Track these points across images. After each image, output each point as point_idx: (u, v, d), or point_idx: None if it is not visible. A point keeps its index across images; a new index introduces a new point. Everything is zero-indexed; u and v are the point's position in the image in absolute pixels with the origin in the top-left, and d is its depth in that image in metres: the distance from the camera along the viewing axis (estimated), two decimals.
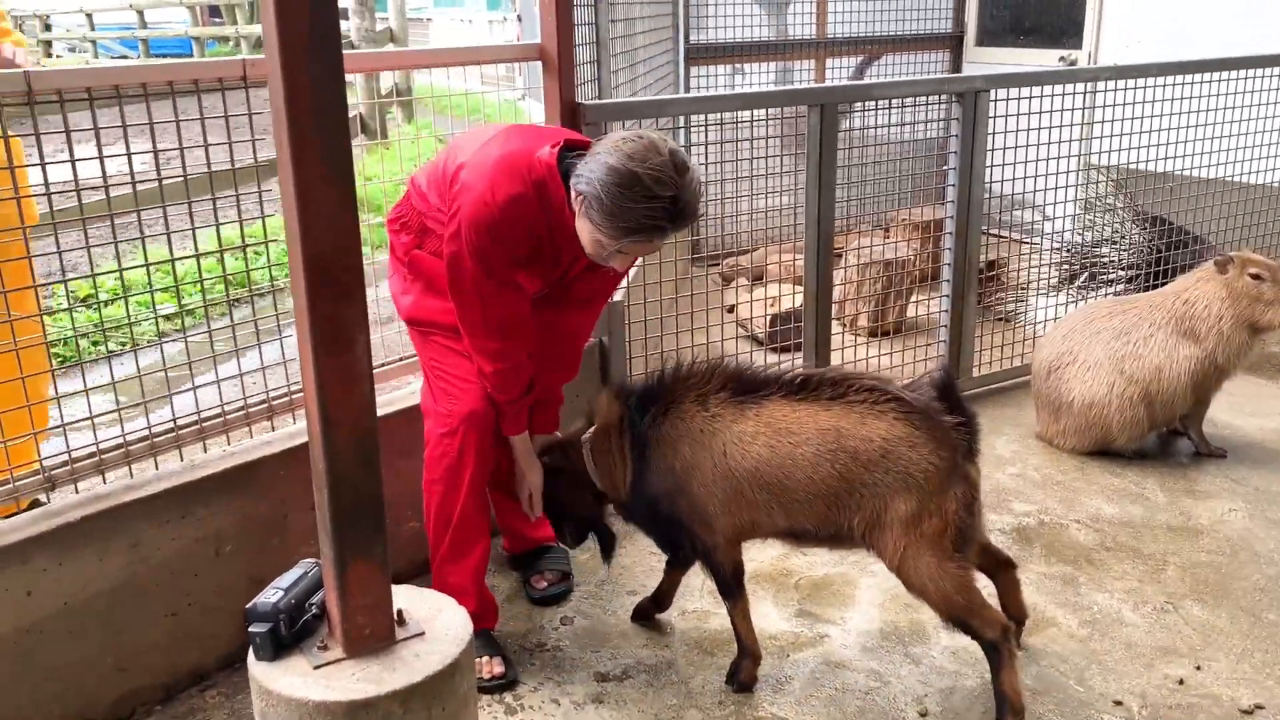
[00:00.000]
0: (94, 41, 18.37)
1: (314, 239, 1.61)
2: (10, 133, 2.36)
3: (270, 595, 1.81)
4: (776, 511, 2.35)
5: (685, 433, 2.38)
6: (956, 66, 6.72)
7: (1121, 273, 4.80)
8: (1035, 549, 3.12)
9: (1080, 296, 4.82)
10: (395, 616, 1.85)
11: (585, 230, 2.25)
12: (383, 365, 3.08)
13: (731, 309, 4.89)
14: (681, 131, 5.06)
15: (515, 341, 2.44)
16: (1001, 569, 2.56)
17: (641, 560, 3.10)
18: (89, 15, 18.21)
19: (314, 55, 1.56)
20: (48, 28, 19.01)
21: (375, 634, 1.80)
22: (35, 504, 2.42)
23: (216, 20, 19.97)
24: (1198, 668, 2.57)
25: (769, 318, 4.61)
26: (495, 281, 2.33)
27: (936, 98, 4.06)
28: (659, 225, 2.15)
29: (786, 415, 2.32)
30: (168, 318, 3.99)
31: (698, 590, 2.94)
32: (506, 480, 2.77)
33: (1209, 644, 2.67)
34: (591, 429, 2.56)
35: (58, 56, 18.92)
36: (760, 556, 3.07)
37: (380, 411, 2.87)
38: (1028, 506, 3.37)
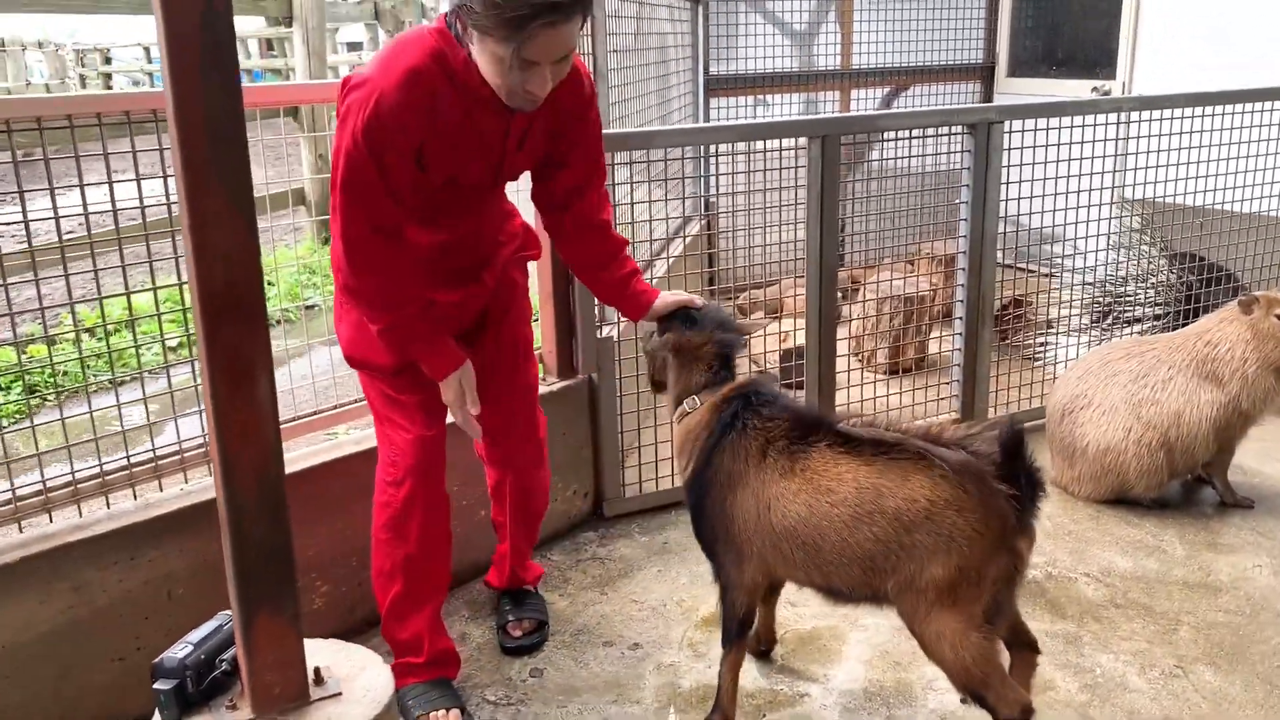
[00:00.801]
0: (151, 75, 18.81)
1: (211, 268, 1.52)
2: None
3: (179, 650, 1.72)
4: (812, 570, 2.21)
5: (739, 476, 2.26)
6: (988, 97, 6.57)
7: (1149, 310, 4.59)
8: (1039, 604, 2.95)
9: (1108, 335, 4.62)
10: (311, 674, 1.74)
11: (484, 59, 1.98)
12: (355, 402, 3.00)
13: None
14: (702, 162, 4.98)
15: (395, 281, 2.16)
16: (1023, 650, 2.37)
17: (622, 609, 2.98)
18: (146, 49, 18.66)
19: (208, 80, 1.48)
20: (108, 60, 19.51)
21: (285, 693, 1.70)
22: None
23: (271, 54, 20.39)
24: None
25: (780, 352, 4.47)
26: (379, 219, 2.07)
27: (960, 128, 3.91)
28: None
29: (828, 470, 2.17)
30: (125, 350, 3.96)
31: (676, 643, 2.80)
32: (509, 499, 2.73)
33: (1220, 713, 2.47)
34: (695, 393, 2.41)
35: (120, 90, 19.40)
36: None
37: (348, 450, 2.79)
38: (1035, 557, 3.18)
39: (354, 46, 20.52)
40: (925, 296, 4.78)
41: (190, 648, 1.72)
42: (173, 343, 3.90)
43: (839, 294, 3.77)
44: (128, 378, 3.56)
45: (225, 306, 1.53)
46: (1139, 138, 4.12)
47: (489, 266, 2.44)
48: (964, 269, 3.90)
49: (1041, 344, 4.75)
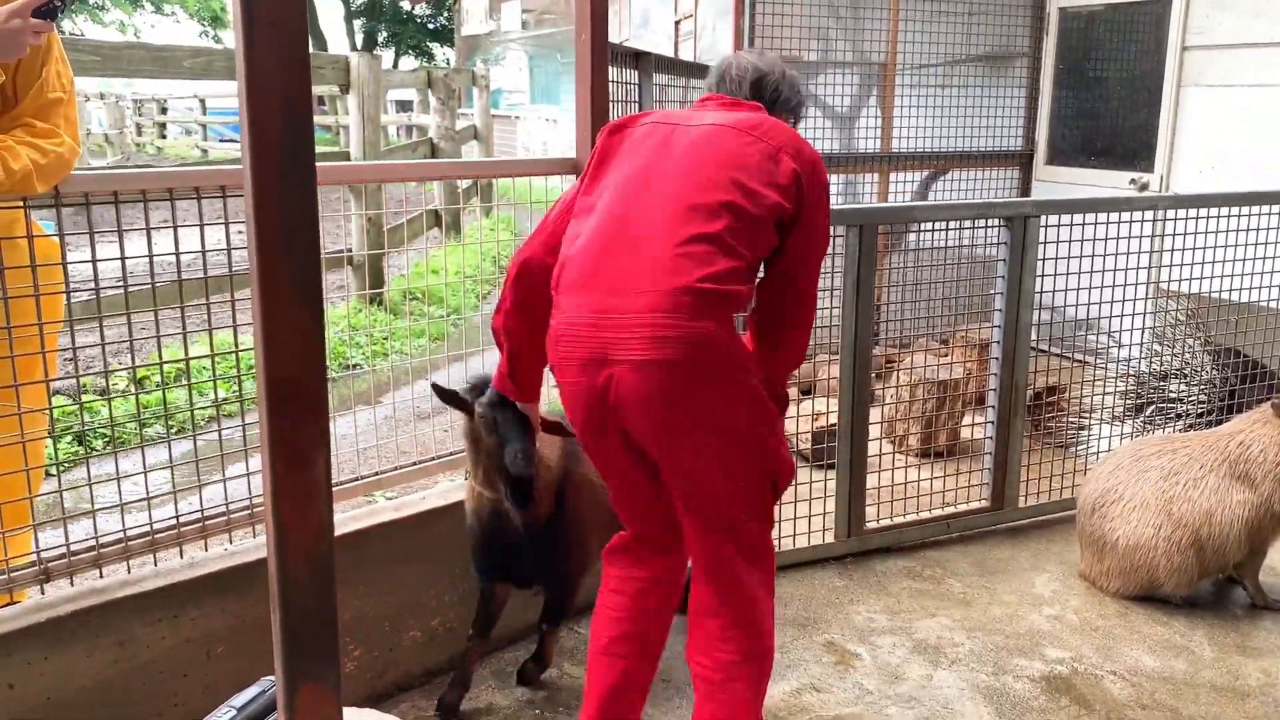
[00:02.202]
0: (204, 125, 19.34)
1: (278, 359, 1.60)
2: (44, 231, 2.46)
3: (223, 714, 1.78)
4: None
5: None
6: (1026, 184, 6.64)
7: (1189, 407, 4.60)
8: (1063, 701, 2.94)
9: (1145, 429, 4.63)
10: None
11: None
12: (396, 469, 3.08)
13: None
14: None
15: None
16: None
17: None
18: (201, 100, 19.21)
19: (286, 176, 1.57)
20: (164, 110, 20.11)
21: None
22: (13, 602, 2.43)
23: (321, 109, 20.93)
24: None
25: (812, 434, 4.52)
26: None
27: (996, 220, 3.98)
28: None
29: None
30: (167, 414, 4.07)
31: None
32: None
33: None
34: None
35: (173, 140, 19.97)
36: (772, 691, 2.94)
37: (387, 517, 2.87)
38: (1061, 653, 3.19)
39: (404, 106, 21.02)
40: (959, 381, 4.81)
41: (234, 712, 1.78)
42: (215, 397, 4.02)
43: (873, 375, 3.82)
44: (174, 433, 3.66)
45: (289, 394, 1.61)
46: (1175, 235, 4.17)
47: None
48: (997, 357, 3.94)
49: (1076, 433, 4.77)
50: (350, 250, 6.31)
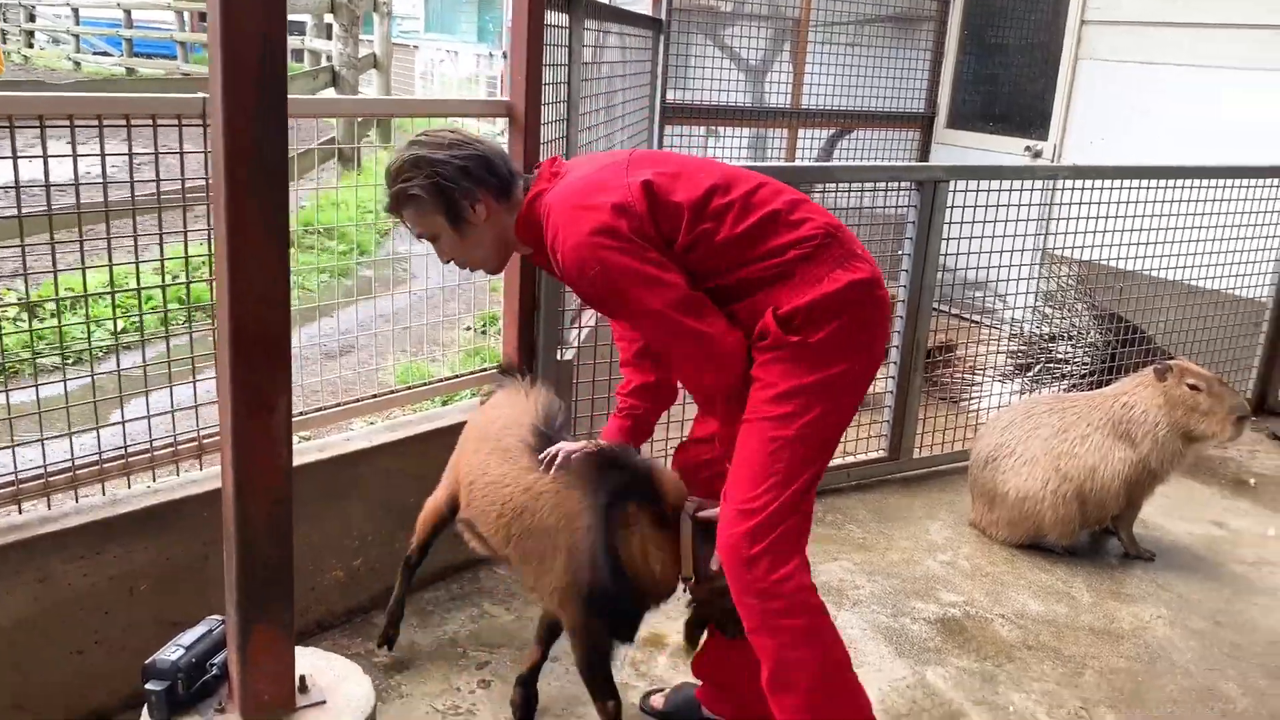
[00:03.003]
0: (77, 36, 18.25)
1: (243, 305, 1.60)
2: None
3: (170, 652, 1.78)
4: None
5: None
6: (926, 145, 6.84)
7: (1074, 368, 4.87)
8: (957, 641, 3.14)
9: (1032, 387, 4.89)
10: (297, 683, 1.82)
11: None
12: (319, 410, 3.06)
13: None
14: None
15: None
16: None
17: None
18: (75, 10, 18.10)
19: (261, 123, 1.56)
20: (32, 18, 18.90)
21: (275, 700, 1.78)
22: None
23: (204, 25, 19.98)
24: None
25: None
26: None
27: (909, 184, 4.11)
28: None
29: None
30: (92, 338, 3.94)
31: (618, 662, 2.92)
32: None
33: None
34: None
35: (40, 49, 18.81)
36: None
37: (311, 458, 2.86)
38: (954, 597, 3.39)
39: (296, 28, 20.21)
40: None
41: (182, 650, 1.78)
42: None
43: None
44: (71, 364, 3.54)
45: (254, 342, 1.61)
46: (1069, 204, 4.39)
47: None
48: (902, 316, 4.10)
49: (967, 389, 5.00)
50: None
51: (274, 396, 1.65)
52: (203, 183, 2.35)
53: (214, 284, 1.63)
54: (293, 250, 6.12)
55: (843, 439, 4.15)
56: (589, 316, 3.93)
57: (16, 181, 2.22)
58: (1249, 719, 2.87)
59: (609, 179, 2.17)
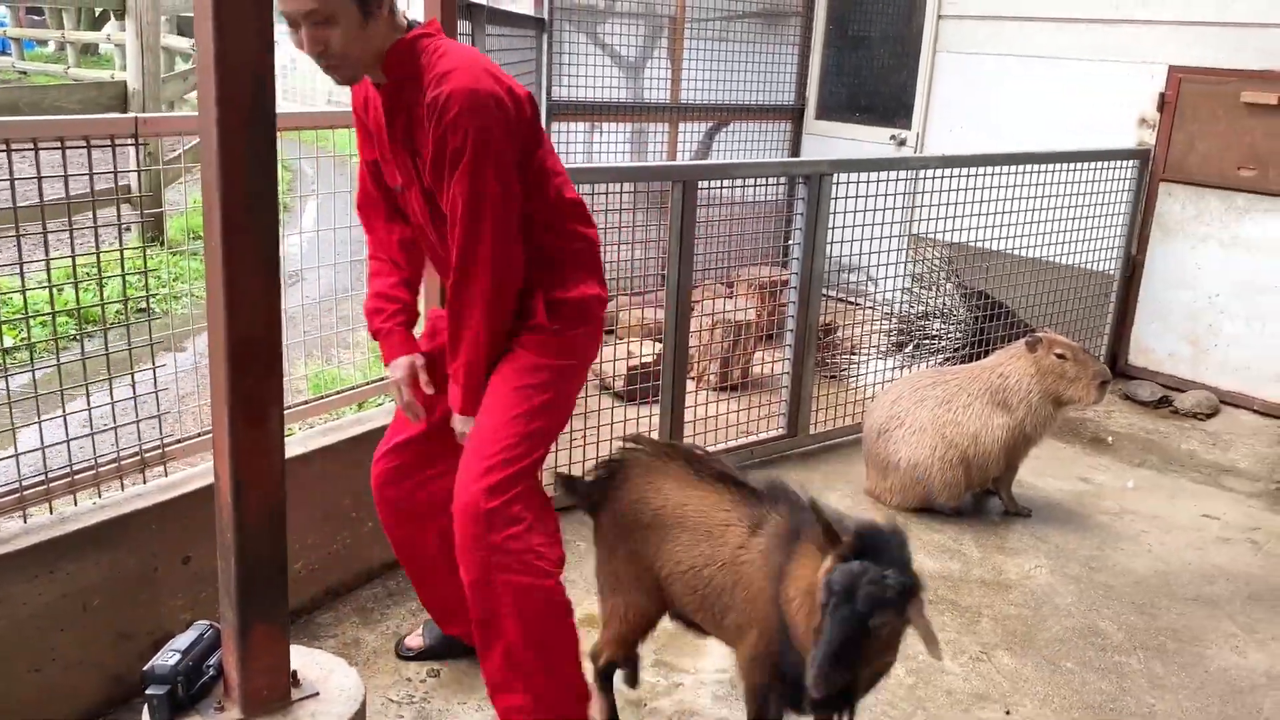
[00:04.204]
0: None
1: (240, 322, 1.70)
2: None
3: (168, 658, 1.86)
4: None
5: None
6: (797, 136, 7.15)
7: (946, 343, 5.24)
8: None
9: (908, 364, 5.23)
10: (291, 677, 1.93)
11: None
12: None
13: None
14: None
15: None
16: None
17: None
18: None
19: (252, 151, 1.66)
20: None
21: (272, 695, 1.88)
22: None
23: (37, 18, 18.93)
24: (1007, 712, 2.89)
25: (627, 374, 4.81)
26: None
27: (798, 178, 4.36)
28: None
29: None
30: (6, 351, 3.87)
31: None
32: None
33: (1017, 690, 2.99)
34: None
35: None
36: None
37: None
38: None
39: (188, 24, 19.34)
40: (753, 321, 5.23)
41: (178, 655, 1.86)
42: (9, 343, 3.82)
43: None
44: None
45: (249, 355, 1.72)
46: (934, 190, 4.73)
47: None
48: (794, 301, 4.36)
49: (848, 367, 5.32)
50: (127, 185, 5.97)
51: (268, 406, 1.76)
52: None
53: (208, 308, 1.72)
54: (178, 258, 6.01)
55: (743, 420, 4.40)
56: None
57: None
58: (1125, 650, 3.23)
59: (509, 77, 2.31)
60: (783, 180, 6.12)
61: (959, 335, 5.23)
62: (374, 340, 2.57)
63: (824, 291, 4.49)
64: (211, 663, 1.91)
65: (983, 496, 4.23)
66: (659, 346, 4.81)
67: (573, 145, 6.34)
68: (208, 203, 1.68)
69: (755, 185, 4.41)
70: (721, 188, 4.33)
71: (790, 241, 4.36)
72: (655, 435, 4.07)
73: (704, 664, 3.03)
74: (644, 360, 4.79)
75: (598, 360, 4.98)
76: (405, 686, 2.85)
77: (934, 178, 4.75)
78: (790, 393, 4.47)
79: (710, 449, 4.26)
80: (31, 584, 2.40)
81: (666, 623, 3.18)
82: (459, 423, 2.42)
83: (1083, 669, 3.12)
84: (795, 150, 7.02)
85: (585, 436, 4.01)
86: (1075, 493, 4.36)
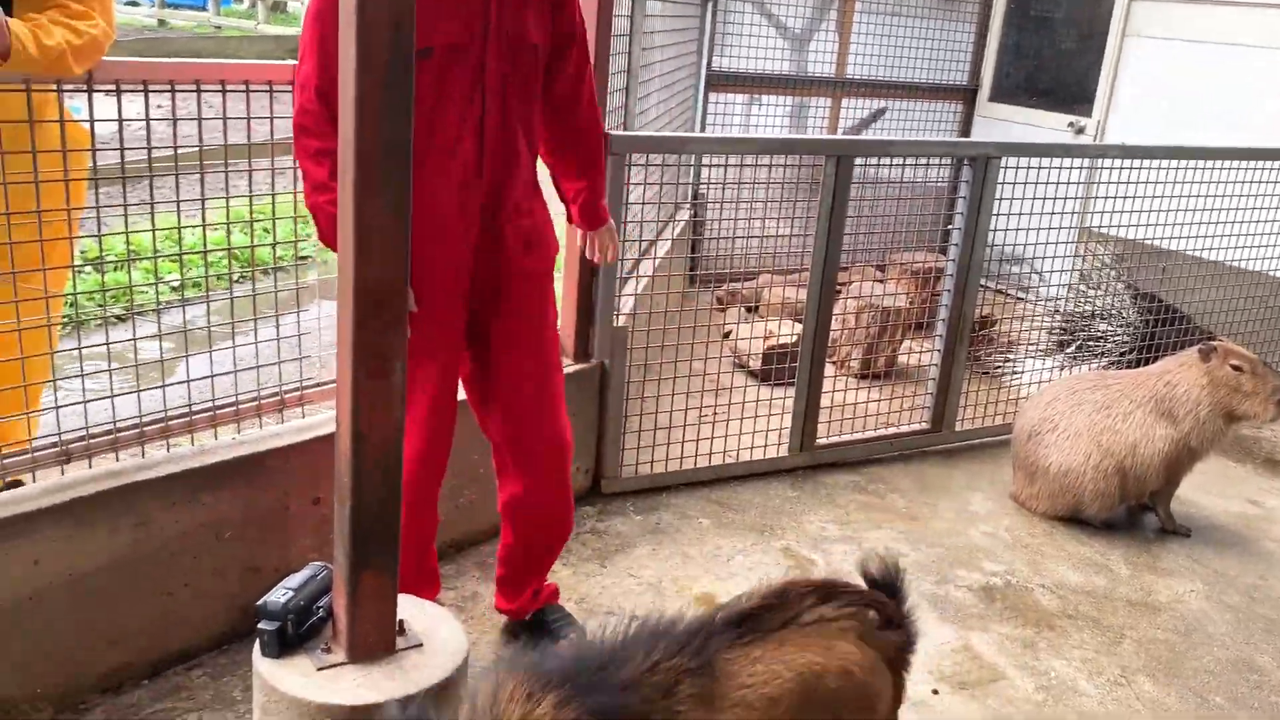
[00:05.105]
0: None
1: (368, 271, 1.69)
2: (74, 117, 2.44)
3: (280, 595, 1.89)
4: None
5: None
6: (968, 118, 6.85)
7: (1111, 346, 4.93)
8: (999, 608, 3.24)
9: (1068, 365, 4.95)
10: (397, 626, 1.93)
11: None
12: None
13: (728, 335, 5.00)
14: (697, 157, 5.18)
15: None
16: None
17: (620, 582, 3.20)
18: None
19: (389, 98, 1.64)
20: None
21: (378, 642, 1.89)
22: (16, 484, 2.46)
23: None
24: None
25: (763, 354, 4.71)
26: None
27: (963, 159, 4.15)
28: None
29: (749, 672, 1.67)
30: (174, 289, 4.05)
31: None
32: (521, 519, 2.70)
33: None
34: None
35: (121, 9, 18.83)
36: (737, 590, 3.17)
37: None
38: (996, 566, 3.49)
39: None
40: (903, 309, 5.05)
41: (291, 593, 1.89)
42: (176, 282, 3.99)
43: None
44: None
45: (375, 304, 1.71)
46: (1112, 182, 4.42)
47: (492, 199, 2.34)
48: (949, 289, 4.17)
49: (1004, 364, 5.07)
50: None
51: (391, 359, 1.75)
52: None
53: (339, 255, 1.72)
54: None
55: (883, 410, 4.24)
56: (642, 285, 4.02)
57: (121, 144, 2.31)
58: None
59: None
60: (947, 162, 5.86)
61: (1126, 338, 4.91)
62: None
63: (983, 282, 4.28)
64: (322, 604, 1.93)
65: (1138, 511, 3.97)
66: (799, 327, 4.70)
67: (730, 117, 6.22)
68: (343, 152, 1.68)
69: (916, 165, 4.22)
70: (879, 165, 4.16)
71: (950, 226, 4.16)
72: (789, 420, 3.96)
73: None
74: (783, 340, 4.68)
75: (734, 336, 4.91)
76: (516, 645, 2.86)
77: (1112, 169, 4.45)
78: (937, 385, 4.28)
79: (846, 439, 4.14)
80: (170, 510, 2.49)
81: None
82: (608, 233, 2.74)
83: (1233, 705, 2.88)
84: (965, 133, 6.72)
85: (715, 414, 3.94)
86: (1242, 515, 4.04)
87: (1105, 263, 5.08)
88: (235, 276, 2.92)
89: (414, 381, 2.26)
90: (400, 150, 1.68)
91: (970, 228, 4.06)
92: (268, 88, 2.52)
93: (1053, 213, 4.29)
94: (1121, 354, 4.86)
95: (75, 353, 2.65)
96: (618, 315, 3.58)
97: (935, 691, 2.81)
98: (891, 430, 4.29)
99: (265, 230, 2.73)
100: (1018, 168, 4.12)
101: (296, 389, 2.85)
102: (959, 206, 4.09)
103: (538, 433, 2.55)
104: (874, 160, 4.21)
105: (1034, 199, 4.22)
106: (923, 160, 4.15)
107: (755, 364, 4.74)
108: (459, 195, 2.27)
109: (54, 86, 2.25)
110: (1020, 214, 4.22)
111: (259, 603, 1.88)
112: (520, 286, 2.44)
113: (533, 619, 2.85)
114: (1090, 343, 5.00)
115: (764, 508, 3.74)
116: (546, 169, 2.59)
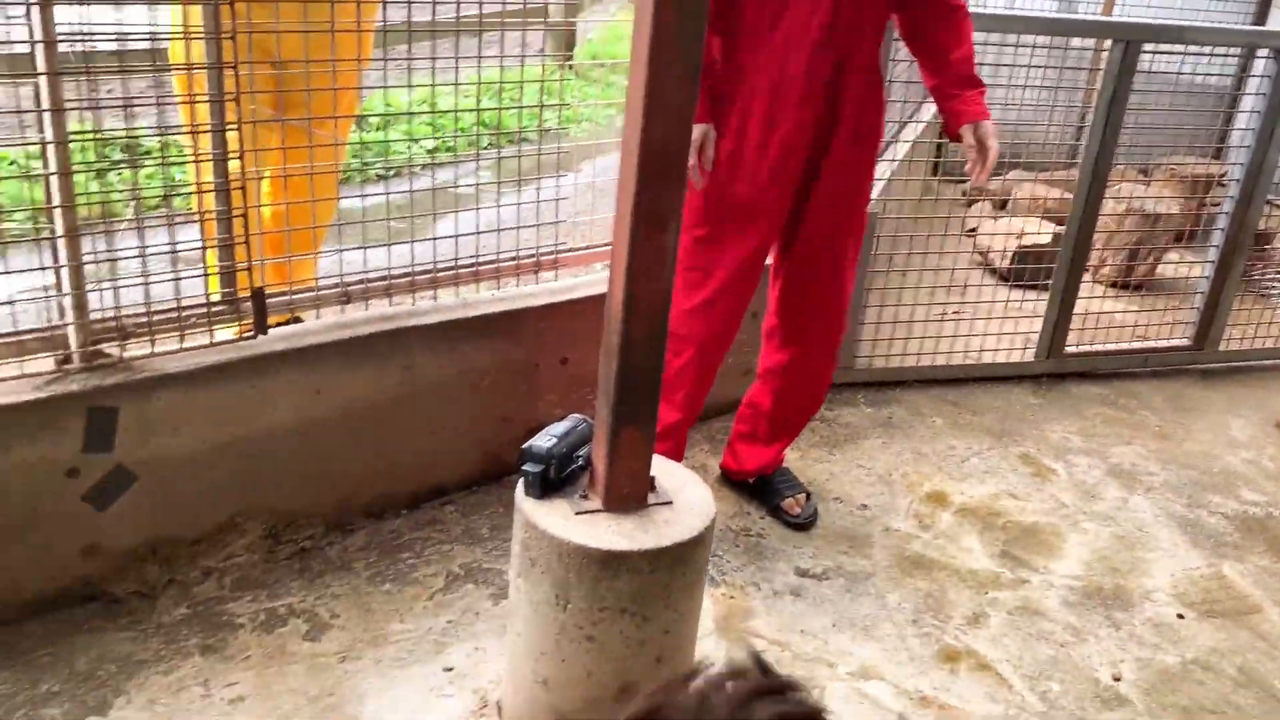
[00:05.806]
0: None
1: (657, 128, 1.70)
2: None
3: (544, 440, 1.97)
4: None
5: None
6: (1264, 8, 6.16)
7: None
8: (1258, 540, 3.03)
9: None
10: (650, 483, 1.99)
11: None
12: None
13: (973, 232, 4.79)
14: None
15: None
16: None
17: (849, 471, 3.18)
18: None
19: None
20: None
21: (632, 495, 1.95)
22: (295, 319, 2.64)
23: None
24: None
25: (1013, 253, 4.48)
26: None
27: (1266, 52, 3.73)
28: None
29: None
30: (429, 151, 4.21)
31: (902, 512, 3.00)
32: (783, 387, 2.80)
33: None
34: None
35: None
36: (971, 492, 3.11)
37: None
38: (1256, 496, 3.25)
39: None
40: (1170, 216, 4.68)
41: (554, 440, 1.97)
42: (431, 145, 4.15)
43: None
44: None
45: (660, 164, 1.71)
46: None
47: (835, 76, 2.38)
48: (1232, 197, 3.82)
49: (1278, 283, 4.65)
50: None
51: (668, 217, 1.76)
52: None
53: (627, 111, 1.73)
54: (576, 82, 6.25)
55: (1140, 323, 3.98)
56: None
57: None
58: None
59: None
60: (1231, 56, 5.30)
61: None
62: None
63: (1269, 196, 3.90)
64: (581, 454, 2.00)
65: None
66: (1053, 228, 4.44)
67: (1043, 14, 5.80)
68: (640, 9, 1.67)
69: (1199, 58, 3.82)
70: (1154, 56, 3.78)
71: (1237, 127, 3.79)
72: (1039, 325, 3.77)
73: (1055, 565, 2.84)
74: (1037, 241, 4.44)
75: (980, 233, 4.69)
76: (744, 519, 2.91)
77: None
78: (1205, 300, 3.97)
79: (1097, 348, 3.92)
80: (433, 356, 2.64)
81: (1021, 515, 3.01)
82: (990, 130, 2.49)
83: None
84: (1260, 22, 6.05)
85: (957, 311, 3.81)
86: None
87: None
88: (493, 145, 3.00)
89: (725, 244, 2.48)
90: (696, 14, 1.66)
91: (1266, 130, 3.68)
92: None
93: None
94: None
95: (358, 200, 2.79)
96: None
97: (1180, 616, 2.68)
98: (1148, 344, 4.02)
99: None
100: None
101: (551, 252, 2.93)
102: (1252, 104, 3.71)
103: (823, 314, 2.68)
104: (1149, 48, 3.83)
105: None
106: (1205, 51, 3.73)
107: (1003, 263, 4.53)
108: (810, 57, 2.32)
109: None
110: None
111: (525, 445, 1.97)
112: (839, 175, 2.49)
113: (757, 482, 2.95)
114: None
115: (1003, 412, 3.61)
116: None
